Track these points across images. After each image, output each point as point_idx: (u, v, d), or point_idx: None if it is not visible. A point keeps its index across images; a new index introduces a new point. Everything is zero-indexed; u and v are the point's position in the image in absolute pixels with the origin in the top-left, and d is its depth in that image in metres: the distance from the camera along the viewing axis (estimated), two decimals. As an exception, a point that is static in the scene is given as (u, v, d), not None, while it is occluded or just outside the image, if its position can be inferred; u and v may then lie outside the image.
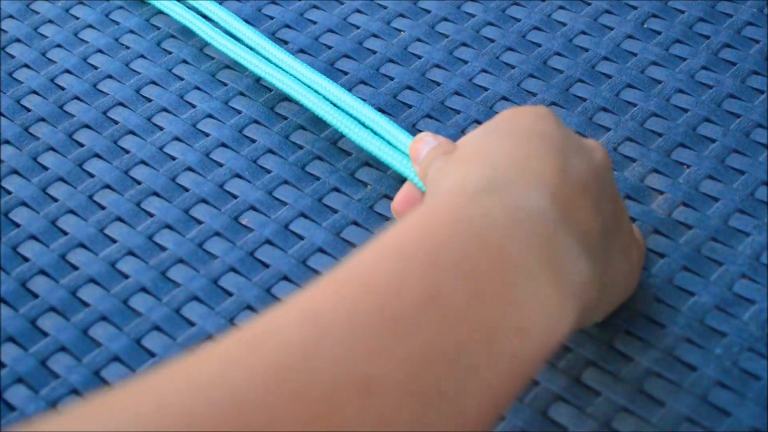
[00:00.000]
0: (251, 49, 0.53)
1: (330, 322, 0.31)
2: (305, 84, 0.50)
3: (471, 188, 0.35)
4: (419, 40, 0.56)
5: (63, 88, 0.55)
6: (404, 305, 0.32)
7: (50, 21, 0.59)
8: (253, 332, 0.31)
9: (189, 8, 0.57)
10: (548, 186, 0.36)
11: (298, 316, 0.32)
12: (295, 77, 0.51)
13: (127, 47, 0.57)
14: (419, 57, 0.55)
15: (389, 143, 0.47)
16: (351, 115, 0.48)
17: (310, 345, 0.30)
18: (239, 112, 0.53)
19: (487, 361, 0.32)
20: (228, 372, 0.30)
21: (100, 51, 0.57)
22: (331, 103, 0.49)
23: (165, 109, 0.54)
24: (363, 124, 0.48)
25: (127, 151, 0.52)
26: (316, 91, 0.50)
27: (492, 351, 0.32)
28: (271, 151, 0.51)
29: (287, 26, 0.57)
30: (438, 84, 0.54)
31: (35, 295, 0.46)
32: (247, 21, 0.57)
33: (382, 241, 0.34)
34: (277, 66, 0.52)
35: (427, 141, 0.43)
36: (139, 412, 0.29)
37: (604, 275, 0.38)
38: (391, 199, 0.47)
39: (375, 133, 0.47)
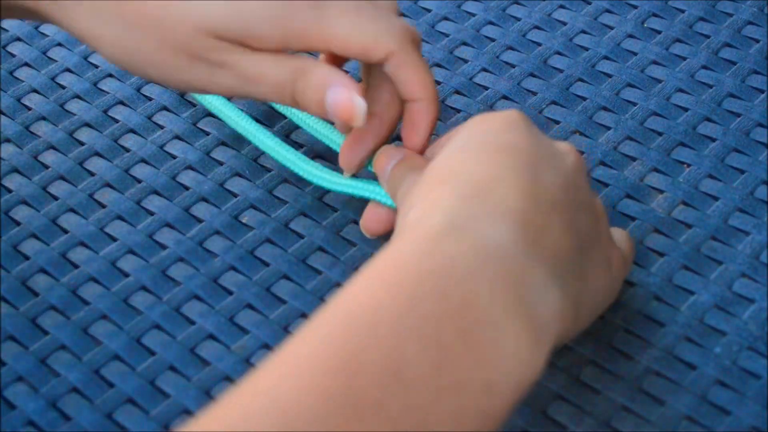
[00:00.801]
0: None
1: (299, 411, 0.31)
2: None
3: (435, 229, 0.35)
4: (419, 39, 0.56)
5: (63, 87, 0.55)
6: (368, 384, 0.31)
7: (51, 20, 0.59)
8: (225, 422, 0.31)
9: None
10: (515, 215, 0.35)
11: (265, 404, 0.31)
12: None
13: (128, 46, 0.57)
14: (419, 56, 0.55)
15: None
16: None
17: None
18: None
19: (454, 422, 0.32)
20: None
21: (100, 50, 0.57)
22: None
23: (165, 108, 0.54)
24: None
25: (128, 150, 0.52)
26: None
27: (459, 412, 0.32)
28: (271, 150, 0.51)
29: (288, 25, 0.57)
30: (438, 83, 0.54)
31: (35, 294, 0.46)
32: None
33: (345, 301, 0.34)
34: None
35: (392, 155, 0.43)
36: None
37: (580, 294, 0.37)
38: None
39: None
